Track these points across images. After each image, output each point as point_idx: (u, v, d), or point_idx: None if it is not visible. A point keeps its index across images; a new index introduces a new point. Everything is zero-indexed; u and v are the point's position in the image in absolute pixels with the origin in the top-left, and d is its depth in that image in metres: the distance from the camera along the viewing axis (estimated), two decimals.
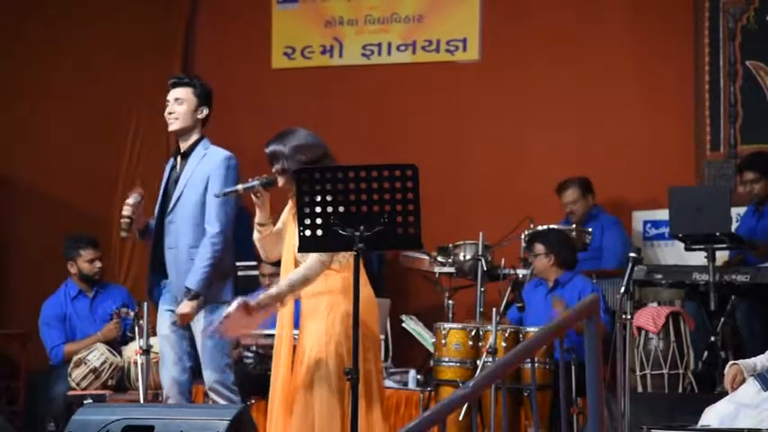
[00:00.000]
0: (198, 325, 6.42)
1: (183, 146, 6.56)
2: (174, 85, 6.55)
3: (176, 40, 10.59)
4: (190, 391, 6.64)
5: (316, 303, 5.72)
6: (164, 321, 6.54)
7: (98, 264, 8.68)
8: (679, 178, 9.06)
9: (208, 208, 6.42)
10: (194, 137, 6.54)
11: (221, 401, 6.35)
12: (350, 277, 5.49)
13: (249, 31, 10.65)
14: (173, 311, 6.47)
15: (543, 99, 9.89)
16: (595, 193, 9.25)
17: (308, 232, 5.49)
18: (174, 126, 6.52)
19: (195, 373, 6.65)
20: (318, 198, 5.47)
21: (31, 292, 9.36)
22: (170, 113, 6.51)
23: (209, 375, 6.42)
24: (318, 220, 5.48)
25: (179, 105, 6.50)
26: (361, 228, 5.42)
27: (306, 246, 5.61)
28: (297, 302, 5.87)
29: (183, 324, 6.42)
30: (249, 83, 10.46)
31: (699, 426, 5.87)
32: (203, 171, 6.46)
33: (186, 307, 6.36)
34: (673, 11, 9.61)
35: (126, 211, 6.47)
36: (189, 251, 6.42)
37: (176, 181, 6.51)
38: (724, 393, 6.22)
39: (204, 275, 6.36)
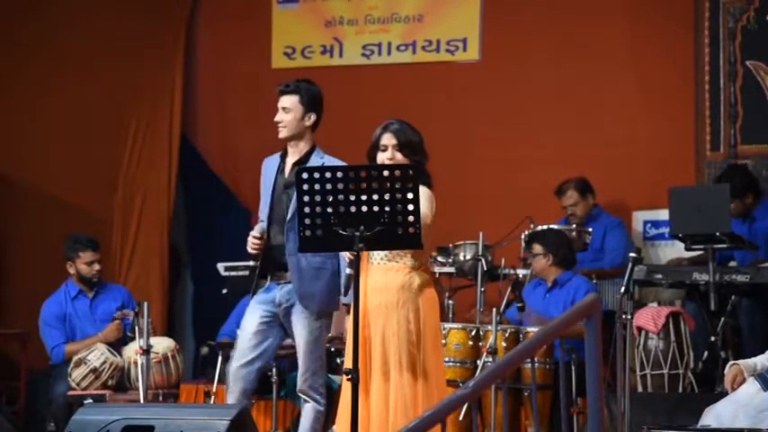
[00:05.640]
0: (298, 328, 6.47)
1: (294, 152, 6.56)
2: (281, 93, 6.58)
3: (176, 39, 10.58)
4: (252, 391, 6.66)
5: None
6: (253, 318, 6.52)
7: (96, 266, 8.66)
8: (679, 178, 9.04)
9: None
10: (305, 144, 6.56)
11: (311, 403, 6.49)
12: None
13: (249, 31, 10.64)
14: (268, 311, 6.50)
15: (543, 99, 9.88)
16: (595, 192, 9.24)
17: (307, 232, 5.50)
18: (282, 134, 6.55)
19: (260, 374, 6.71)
20: (318, 198, 5.48)
21: (31, 292, 9.34)
22: (278, 122, 6.55)
23: (304, 377, 6.51)
24: (318, 221, 5.48)
25: (286, 114, 6.53)
26: (362, 228, 5.43)
27: (306, 246, 5.62)
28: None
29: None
30: (249, 83, 10.45)
31: (699, 426, 5.87)
32: None
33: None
34: (673, 11, 9.60)
35: (257, 247, 6.50)
36: (309, 259, 6.42)
37: (287, 186, 6.50)
38: (724, 393, 6.22)
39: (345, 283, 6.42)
